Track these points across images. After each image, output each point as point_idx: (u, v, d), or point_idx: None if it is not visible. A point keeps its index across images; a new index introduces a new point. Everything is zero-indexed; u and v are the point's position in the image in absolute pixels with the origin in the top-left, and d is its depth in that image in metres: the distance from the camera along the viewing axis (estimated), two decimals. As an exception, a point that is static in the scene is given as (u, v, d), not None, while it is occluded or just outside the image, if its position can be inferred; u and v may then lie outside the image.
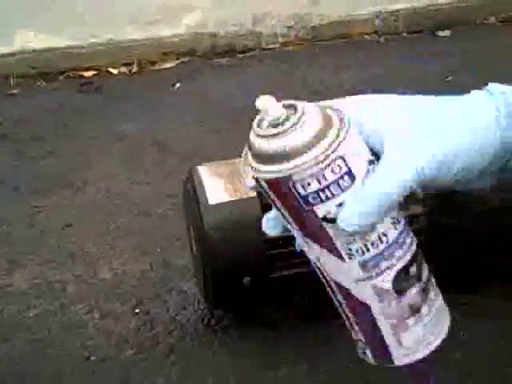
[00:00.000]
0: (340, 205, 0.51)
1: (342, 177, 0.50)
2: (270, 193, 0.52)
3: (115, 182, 2.28)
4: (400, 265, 0.55)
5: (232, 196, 1.51)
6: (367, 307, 0.56)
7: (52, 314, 1.77)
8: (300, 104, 0.51)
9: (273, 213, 0.57)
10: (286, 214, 0.53)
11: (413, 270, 0.56)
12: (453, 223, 1.56)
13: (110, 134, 2.55)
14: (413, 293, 0.56)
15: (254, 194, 1.51)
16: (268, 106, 0.52)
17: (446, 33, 3.17)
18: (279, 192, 0.51)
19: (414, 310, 0.57)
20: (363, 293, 0.56)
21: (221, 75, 2.95)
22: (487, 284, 1.70)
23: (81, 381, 1.60)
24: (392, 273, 0.55)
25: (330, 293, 0.58)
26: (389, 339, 0.58)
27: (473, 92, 0.58)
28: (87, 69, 2.99)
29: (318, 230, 0.53)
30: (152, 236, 2.01)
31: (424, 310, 0.57)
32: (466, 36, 3.12)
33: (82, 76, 2.98)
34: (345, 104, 0.54)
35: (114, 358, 1.64)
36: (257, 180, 0.52)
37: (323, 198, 0.51)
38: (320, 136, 0.50)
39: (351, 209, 0.51)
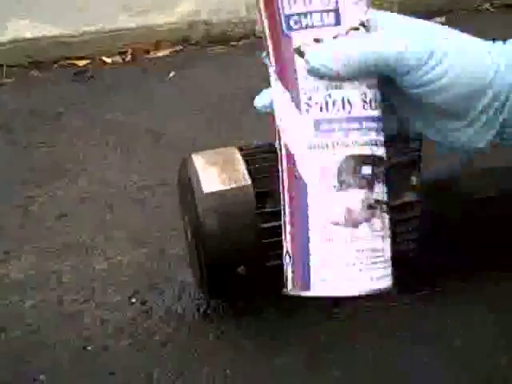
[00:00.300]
0: (316, 41, 0.52)
1: (327, 11, 0.52)
2: (264, 15, 0.54)
3: (109, 172, 2.27)
4: (353, 150, 0.53)
5: (227, 184, 1.50)
6: (305, 188, 0.54)
7: (48, 304, 1.77)
8: None
9: (265, 90, 0.59)
10: (270, 43, 0.54)
11: (365, 170, 0.53)
12: (448, 211, 1.56)
13: (104, 124, 2.54)
14: (356, 197, 0.53)
15: (248, 182, 1.51)
16: None
17: (441, 19, 3.16)
18: (270, 10, 0.53)
19: (351, 221, 0.53)
20: (307, 165, 0.53)
21: (215, 63, 2.94)
22: (484, 271, 1.70)
23: (77, 371, 1.59)
24: (342, 153, 0.53)
25: (280, 176, 0.57)
26: (313, 247, 0.54)
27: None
28: (80, 58, 2.97)
29: (288, 64, 0.53)
30: (147, 225, 2.01)
31: (363, 230, 0.53)
32: (461, 22, 3.11)
33: (75, 65, 2.96)
34: None
35: (111, 347, 1.64)
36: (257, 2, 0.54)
37: (303, 24, 0.52)
38: None
39: (324, 46, 0.52)
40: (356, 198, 0.53)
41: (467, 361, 1.53)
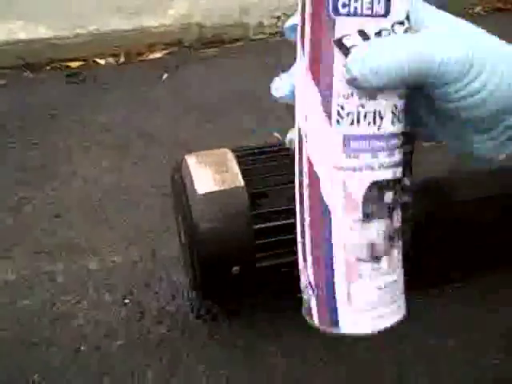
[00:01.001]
0: (360, 33, 0.48)
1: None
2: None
3: (103, 173, 2.27)
4: (379, 175, 0.50)
5: (220, 186, 1.51)
6: (329, 219, 0.50)
7: (41, 305, 1.77)
8: None
9: (283, 74, 0.53)
10: (307, 27, 0.49)
11: (388, 197, 0.51)
12: (440, 213, 1.57)
13: (98, 125, 2.54)
14: (379, 228, 0.50)
15: (241, 183, 1.52)
16: None
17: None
18: None
19: (374, 256, 0.51)
20: (332, 190, 0.50)
21: (208, 66, 2.94)
22: (475, 271, 1.71)
23: (70, 372, 1.60)
24: (368, 178, 0.49)
25: (298, 198, 0.52)
26: (338, 284, 0.51)
27: None
28: (74, 59, 2.98)
29: (325, 57, 0.48)
30: (141, 226, 2.01)
31: (384, 263, 0.51)
32: (453, 26, 3.13)
33: (68, 67, 2.96)
34: None
35: (104, 348, 1.65)
36: None
37: (351, 9, 0.47)
38: None
39: (366, 50, 0.48)
40: (379, 229, 0.51)
41: (466, 361, 1.55)
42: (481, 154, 0.55)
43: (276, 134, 2.32)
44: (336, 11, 0.47)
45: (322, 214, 0.51)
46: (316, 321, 0.55)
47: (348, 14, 0.48)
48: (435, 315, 1.64)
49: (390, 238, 0.52)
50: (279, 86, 0.53)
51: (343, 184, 0.50)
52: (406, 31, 0.49)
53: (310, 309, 0.55)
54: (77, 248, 1.95)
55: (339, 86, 0.48)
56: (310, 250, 0.52)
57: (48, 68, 2.97)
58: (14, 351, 1.65)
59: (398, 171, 0.52)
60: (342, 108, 0.49)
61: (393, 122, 0.50)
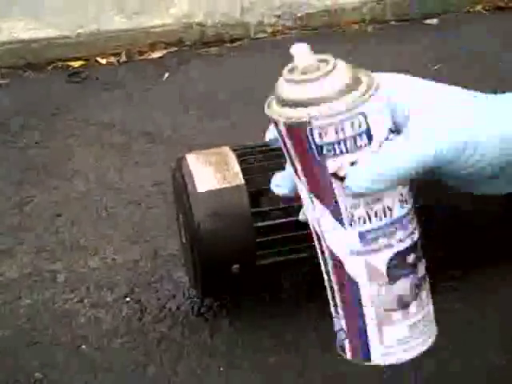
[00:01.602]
0: (353, 163, 0.51)
1: (360, 134, 0.50)
2: (287, 139, 0.51)
3: (104, 172, 2.28)
4: (398, 248, 0.54)
5: (220, 184, 1.52)
6: (356, 286, 0.54)
7: (43, 303, 1.78)
8: (333, 59, 0.52)
9: (283, 172, 0.56)
10: (298, 165, 0.52)
11: (410, 259, 0.54)
12: (437, 206, 1.58)
13: (99, 124, 2.55)
14: (405, 284, 0.54)
15: (242, 181, 1.52)
16: (301, 52, 0.52)
17: (434, 21, 3.18)
18: (296, 138, 0.51)
19: (403, 304, 0.55)
20: (355, 268, 0.54)
21: (209, 65, 2.95)
22: (481, 269, 1.72)
23: (72, 370, 1.61)
24: (389, 253, 0.53)
25: (323, 266, 0.56)
26: (371, 331, 0.56)
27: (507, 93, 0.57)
28: (75, 59, 2.98)
29: (325, 186, 0.52)
30: (142, 225, 2.02)
31: (413, 308, 0.55)
32: (454, 24, 3.13)
33: (70, 66, 2.97)
34: (376, 75, 0.54)
35: (105, 346, 1.65)
36: (276, 125, 0.52)
37: (337, 151, 0.50)
38: (346, 90, 0.50)
39: (363, 170, 0.51)
40: (405, 285, 0.54)
41: (466, 360, 1.55)
42: (489, 193, 0.58)
43: (277, 133, 2.33)
44: (323, 157, 0.50)
45: (350, 286, 0.55)
46: (349, 355, 0.59)
47: (335, 155, 0.50)
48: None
49: (417, 286, 0.55)
50: (280, 184, 0.56)
51: (366, 263, 0.53)
52: (391, 138, 0.52)
53: (343, 346, 0.59)
54: (78, 247, 1.96)
55: (345, 204, 0.52)
56: (341, 307, 0.57)
57: (50, 68, 2.98)
58: (16, 349, 1.66)
59: (416, 235, 0.55)
60: (352, 215, 0.52)
61: (402, 207, 0.53)
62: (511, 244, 1.64)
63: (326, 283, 0.57)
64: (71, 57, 3.00)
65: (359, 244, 0.53)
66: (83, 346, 1.65)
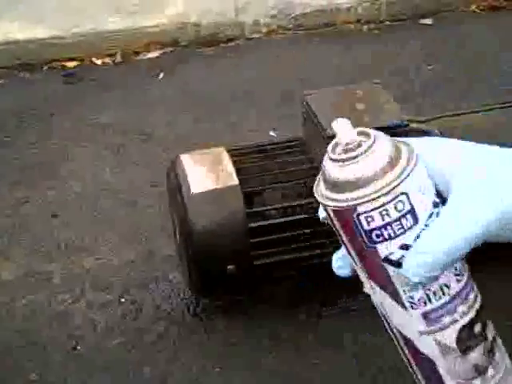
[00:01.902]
0: (402, 247, 0.50)
1: (404, 215, 0.50)
2: (337, 223, 0.52)
3: (100, 172, 2.28)
4: (464, 321, 0.54)
5: (215, 184, 1.52)
6: (432, 363, 0.55)
7: (38, 304, 1.78)
8: (372, 132, 0.51)
9: (340, 252, 0.56)
10: (351, 250, 0.53)
11: (477, 328, 0.55)
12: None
13: (95, 124, 2.55)
14: (478, 353, 0.54)
15: (236, 182, 1.52)
16: (342, 129, 0.52)
17: (429, 21, 3.18)
18: (344, 223, 0.51)
19: (480, 371, 0.55)
20: (427, 347, 0.54)
21: (204, 65, 2.95)
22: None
23: (68, 370, 1.61)
24: (455, 328, 0.53)
25: (396, 343, 0.57)
26: None
27: None
28: (70, 59, 2.98)
29: (380, 272, 0.52)
30: (137, 226, 2.02)
31: (490, 371, 0.55)
32: (448, 24, 3.13)
33: (65, 66, 2.97)
34: (411, 141, 0.53)
35: (101, 347, 1.66)
36: (325, 208, 0.52)
37: (386, 236, 0.50)
38: (387, 167, 0.49)
39: (416, 259, 0.50)
40: (479, 353, 0.55)
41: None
42: None
43: (271, 133, 2.33)
44: (373, 242, 0.51)
45: (426, 363, 0.55)
46: None
47: (384, 240, 0.50)
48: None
49: (489, 351, 0.55)
50: (341, 266, 0.57)
51: (436, 341, 0.54)
52: (437, 212, 0.51)
53: None
54: (74, 248, 1.96)
55: (401, 286, 0.52)
56: (422, 379, 0.57)
57: (45, 68, 2.98)
58: (12, 350, 1.66)
59: (478, 303, 0.55)
60: (412, 298, 0.53)
61: (459, 281, 0.53)
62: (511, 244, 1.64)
63: (403, 356, 0.58)
64: (66, 57, 2.99)
65: (424, 324, 0.53)
66: (79, 347, 1.66)
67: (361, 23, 3.24)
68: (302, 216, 1.49)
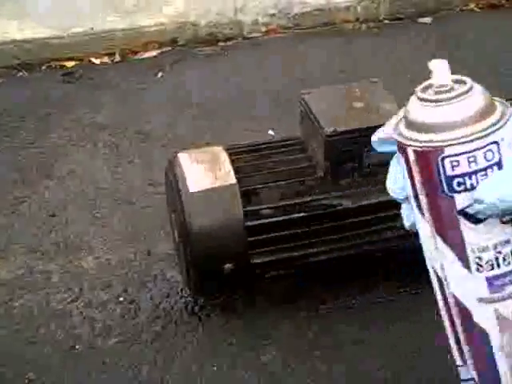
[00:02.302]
0: (477, 200, 0.47)
1: (491, 166, 0.47)
2: (414, 167, 0.48)
3: (98, 171, 2.28)
4: None
5: (213, 183, 1.52)
6: (486, 337, 0.52)
7: (36, 303, 1.78)
8: (469, 80, 0.49)
9: (409, 206, 0.53)
10: (423, 197, 0.49)
11: None
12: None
13: (93, 124, 2.55)
14: None
15: (234, 181, 1.52)
16: (440, 69, 0.49)
17: (427, 19, 3.18)
18: (425, 166, 0.48)
19: None
20: (484, 317, 0.51)
21: (203, 64, 2.95)
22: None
23: (66, 370, 1.61)
24: None
25: (445, 315, 0.54)
26: (505, 382, 0.53)
27: None
28: (69, 59, 2.98)
29: (451, 225, 0.49)
30: (136, 224, 2.02)
31: None
32: (447, 22, 3.13)
33: (63, 66, 2.97)
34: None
35: (99, 346, 1.65)
36: (402, 150, 0.48)
37: (468, 185, 0.47)
38: (482, 114, 0.47)
39: (498, 186, 0.47)
40: None
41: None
42: None
43: (270, 133, 2.33)
44: (452, 190, 0.48)
45: (479, 338, 0.52)
46: None
47: (465, 189, 0.47)
48: (434, 315, 1.65)
49: None
50: (408, 215, 0.55)
51: (495, 312, 0.51)
52: None
53: None
54: (72, 247, 1.96)
55: (472, 244, 0.49)
56: (470, 357, 0.54)
57: (43, 67, 2.98)
58: (10, 349, 1.66)
59: None
60: (480, 259, 0.50)
61: None
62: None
63: (449, 332, 0.54)
64: (65, 57, 2.99)
65: (487, 291, 0.50)
66: (77, 346, 1.65)
67: (360, 22, 3.23)
68: (299, 215, 1.48)
